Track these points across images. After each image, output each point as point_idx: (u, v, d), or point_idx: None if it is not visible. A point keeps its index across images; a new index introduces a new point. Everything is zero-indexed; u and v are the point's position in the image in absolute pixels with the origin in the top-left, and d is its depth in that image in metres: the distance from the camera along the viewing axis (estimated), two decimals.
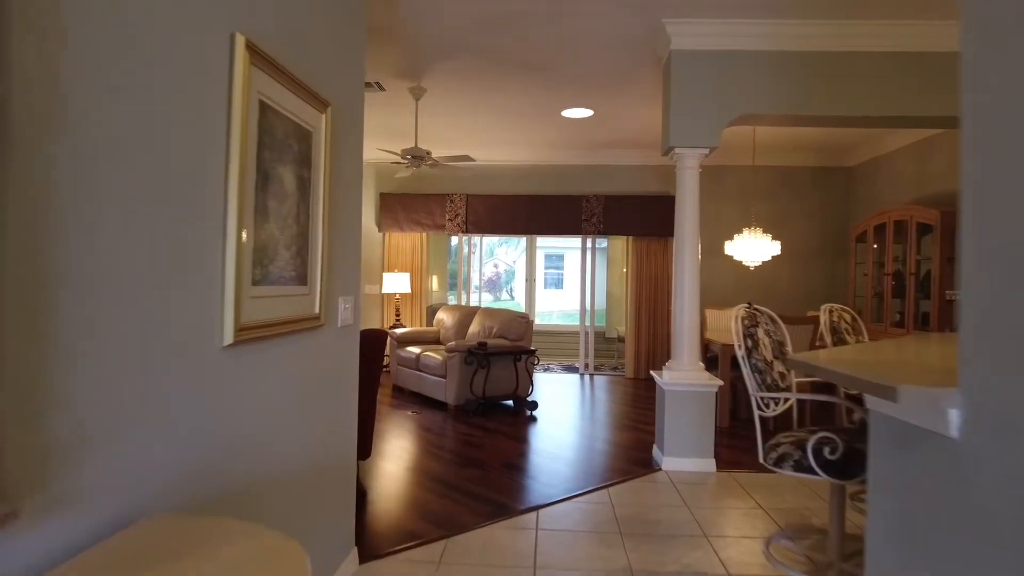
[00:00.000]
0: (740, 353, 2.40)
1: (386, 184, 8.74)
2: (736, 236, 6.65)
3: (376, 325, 8.73)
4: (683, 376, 4.48)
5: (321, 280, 2.32)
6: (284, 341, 2.07)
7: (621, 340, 9.95)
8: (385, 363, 7.91)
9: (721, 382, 4.49)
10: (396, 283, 8.10)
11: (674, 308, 4.62)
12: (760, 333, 2.49)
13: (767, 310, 2.61)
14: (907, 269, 6.29)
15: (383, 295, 8.70)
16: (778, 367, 2.51)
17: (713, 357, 6.24)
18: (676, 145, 4.50)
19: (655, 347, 8.35)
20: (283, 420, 2.07)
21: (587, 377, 8.56)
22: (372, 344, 4.08)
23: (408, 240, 8.65)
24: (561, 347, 11.00)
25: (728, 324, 7.42)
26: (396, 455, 4.76)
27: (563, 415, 6.21)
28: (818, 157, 8.38)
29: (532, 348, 6.37)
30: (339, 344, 2.59)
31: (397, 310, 8.20)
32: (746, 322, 2.47)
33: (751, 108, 4.48)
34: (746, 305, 2.57)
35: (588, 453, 4.89)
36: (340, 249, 2.58)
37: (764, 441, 2.52)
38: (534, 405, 6.23)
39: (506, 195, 8.49)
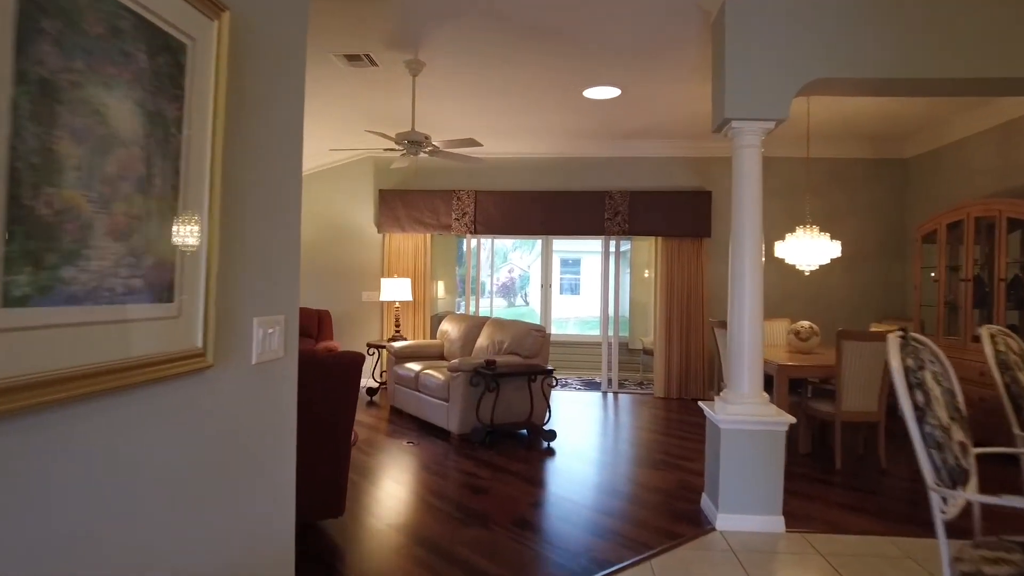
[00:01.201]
0: (908, 413, 1.47)
1: (386, 179, 7.86)
2: (788, 236, 5.67)
3: (375, 338, 7.84)
4: (744, 411, 3.52)
5: (207, 293, 1.41)
6: (117, 403, 1.16)
7: (647, 352, 8.98)
8: (383, 380, 7.01)
9: (793, 419, 3.52)
10: (395, 290, 7.20)
11: (731, 323, 3.67)
12: (929, 380, 1.54)
13: (927, 341, 1.65)
14: (993, 273, 5.29)
15: (382, 303, 7.80)
16: (957, 435, 1.56)
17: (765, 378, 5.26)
18: (733, 117, 3.55)
19: (688, 363, 7.38)
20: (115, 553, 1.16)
21: (611, 396, 7.60)
22: (342, 373, 3.17)
23: (410, 242, 7.76)
24: (580, 359, 10.05)
25: (778, 339, 6.46)
26: (382, 506, 3.84)
27: (586, 447, 5.27)
28: (870, 147, 7.39)
29: (549, 367, 5.44)
30: (253, 391, 1.67)
31: (397, 320, 7.30)
32: (909, 362, 1.52)
33: (827, 71, 3.53)
34: (900, 332, 1.62)
35: (620, 502, 3.94)
36: (255, 243, 1.67)
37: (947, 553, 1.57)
38: (551, 435, 5.29)
39: (520, 191, 7.57)
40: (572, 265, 17.49)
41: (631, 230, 7.44)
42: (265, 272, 1.74)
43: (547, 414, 5.54)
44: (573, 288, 18.11)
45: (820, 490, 4.19)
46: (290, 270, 1.94)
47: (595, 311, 16.65)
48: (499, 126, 6.75)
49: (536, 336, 5.56)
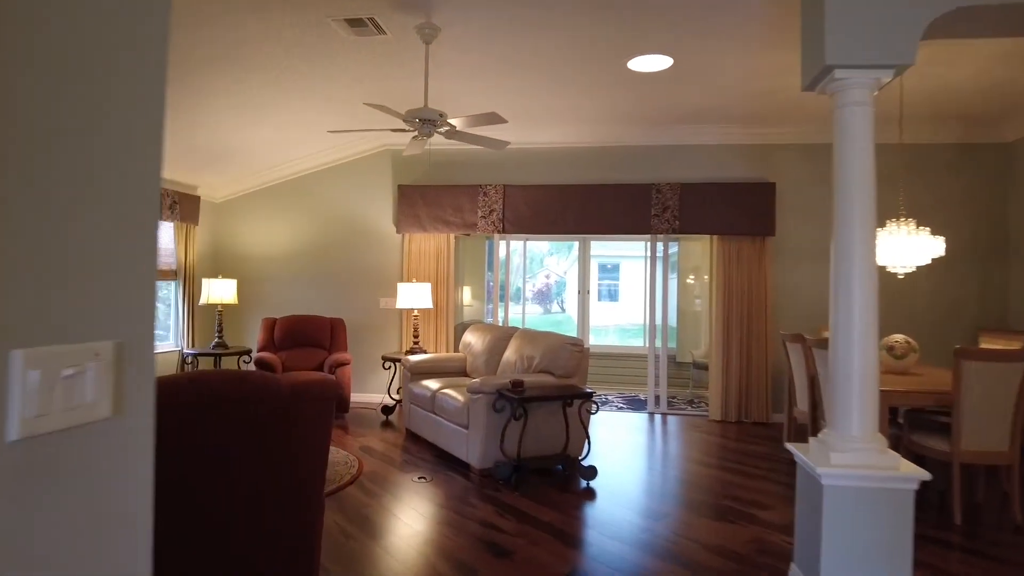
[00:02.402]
0: None
1: (405, 174, 7.09)
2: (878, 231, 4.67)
3: (393, 349, 7.05)
4: (855, 460, 2.59)
5: None
6: None
7: (698, 367, 8.01)
8: (398, 398, 6.21)
9: (926, 474, 2.57)
10: (412, 296, 6.40)
11: (835, 343, 2.73)
12: None
13: None
14: None
15: (401, 312, 7.02)
16: None
17: None
18: (837, 64, 2.63)
19: (749, 380, 6.40)
20: None
21: (658, 418, 6.66)
22: (310, 407, 2.35)
23: (432, 243, 6.96)
24: (622, 373, 9.11)
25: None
26: (374, 571, 3.01)
27: (633, 488, 4.36)
28: (962, 130, 6.32)
29: (588, 389, 4.54)
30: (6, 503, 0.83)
31: (415, 330, 6.49)
32: None
33: None
34: None
35: (681, 570, 3.03)
36: (31, 224, 0.84)
37: None
38: (591, 473, 4.40)
39: (553, 185, 6.72)
40: (611, 271, 16.53)
41: (682, 228, 6.51)
42: (55, 271, 0.91)
43: (586, 446, 4.65)
44: (612, 294, 17.13)
45: (939, 556, 3.21)
46: (133, 267, 1.10)
47: (636, 318, 15.71)
48: (529, 110, 5.90)
49: (572, 351, 4.68)
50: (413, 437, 5.54)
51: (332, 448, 5.08)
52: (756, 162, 6.56)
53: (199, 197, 7.21)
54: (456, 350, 6.78)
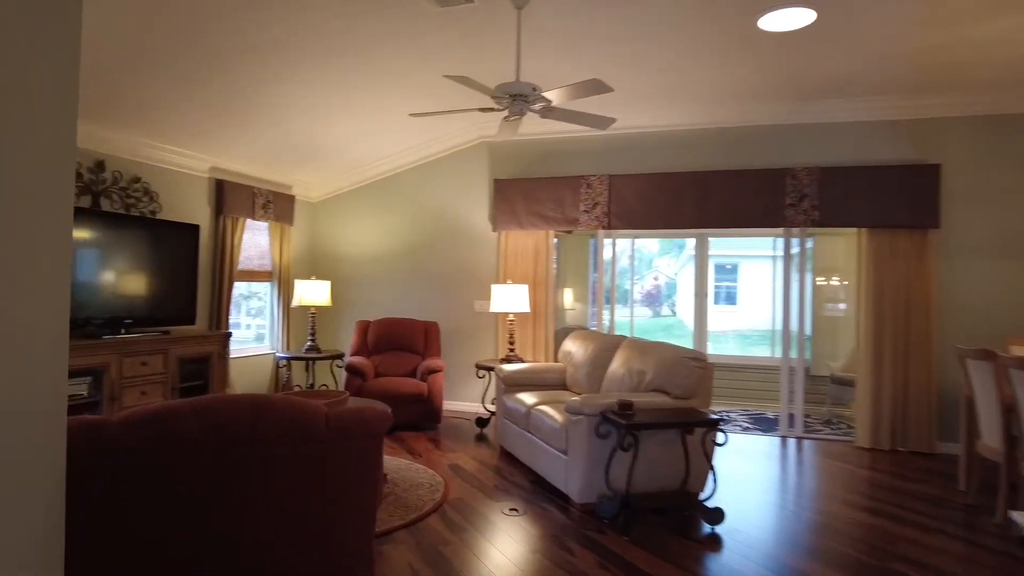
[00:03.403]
0: None
1: (502, 167, 6.54)
2: None
3: (489, 356, 6.52)
4: None
5: None
6: None
7: (837, 382, 6.91)
8: (493, 409, 5.66)
9: None
10: (507, 299, 5.83)
11: None
12: None
13: None
14: None
15: (496, 316, 6.47)
16: None
17: None
18: None
19: (907, 401, 5.31)
20: None
21: (792, 443, 5.70)
22: (356, 448, 1.79)
23: (530, 241, 6.36)
24: (744, 387, 8.12)
25: None
26: None
27: (770, 538, 3.53)
28: None
29: (714, 415, 3.75)
30: None
31: (511, 336, 5.91)
32: None
33: None
34: None
35: None
36: None
37: None
38: (716, 516, 3.61)
39: (666, 173, 5.92)
40: (728, 272, 15.28)
41: (822, 220, 5.52)
42: None
43: (710, 483, 3.86)
44: (729, 297, 15.85)
45: None
46: None
47: (757, 324, 14.40)
48: (636, 88, 5.16)
49: (692, 368, 3.90)
50: (507, 456, 4.96)
51: (418, 467, 4.59)
52: (914, 141, 5.46)
53: (293, 196, 7.02)
54: (555, 359, 6.15)
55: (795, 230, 5.80)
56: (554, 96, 3.61)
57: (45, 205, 0.97)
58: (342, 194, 7.37)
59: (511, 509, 3.83)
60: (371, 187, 7.19)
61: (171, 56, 4.10)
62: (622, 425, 3.45)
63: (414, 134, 6.37)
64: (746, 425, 6.36)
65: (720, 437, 3.70)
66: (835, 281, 8.25)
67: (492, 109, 3.84)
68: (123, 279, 4.85)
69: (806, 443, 5.67)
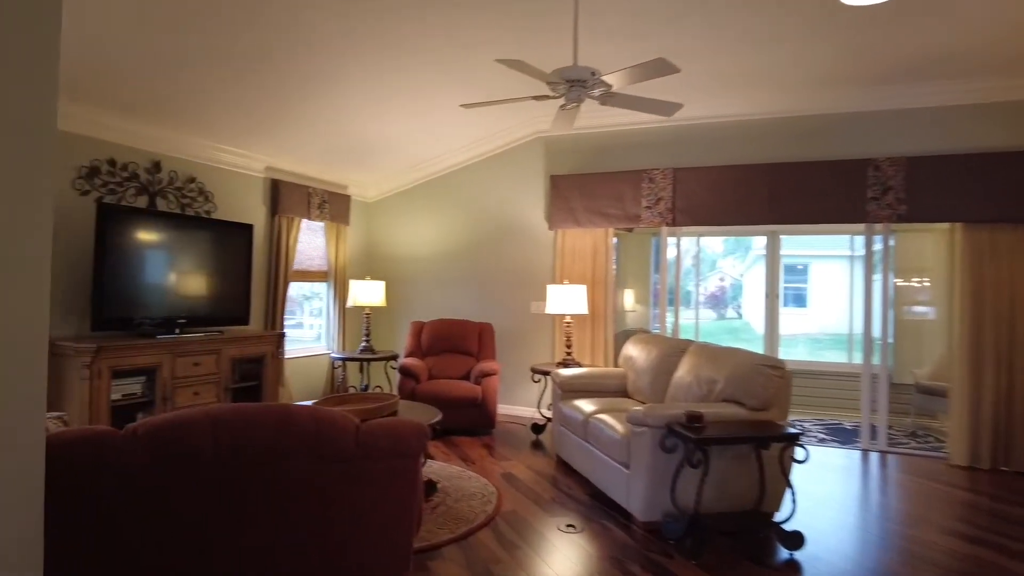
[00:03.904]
0: None
1: (559, 163, 6.28)
2: None
3: (545, 359, 6.27)
4: None
5: None
6: None
7: (925, 392, 6.35)
8: (549, 415, 5.41)
9: None
10: (563, 300, 5.56)
11: None
12: None
13: None
14: None
15: (552, 318, 6.21)
16: None
17: None
18: None
19: (1011, 414, 4.78)
20: None
21: (875, 457, 5.23)
22: (388, 467, 1.58)
23: (588, 240, 6.08)
24: (818, 394, 7.60)
25: None
26: None
27: (856, 567, 3.15)
28: None
29: (793, 429, 3.39)
30: None
31: (567, 339, 5.64)
32: None
33: None
34: None
35: None
36: None
37: None
38: (795, 540, 3.26)
39: (734, 166, 5.54)
40: (798, 272, 14.54)
41: (910, 214, 5.04)
42: None
43: (789, 503, 3.50)
44: (798, 299, 15.08)
45: None
46: None
47: (829, 327, 13.64)
48: (704, 74, 4.82)
49: (769, 377, 3.55)
50: (564, 466, 4.70)
51: (471, 475, 4.39)
52: (1016, 125, 4.91)
53: (349, 196, 6.95)
54: (615, 364, 5.85)
55: (877, 226, 5.32)
56: (615, 80, 3.33)
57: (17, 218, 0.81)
58: (397, 194, 7.26)
59: (568, 526, 3.57)
60: (425, 186, 7.06)
61: (226, 56, 4.03)
62: (691, 439, 3.14)
63: (468, 131, 6.19)
64: (822, 436, 5.90)
65: (800, 453, 3.34)
66: (917, 282, 7.64)
67: (547, 97, 3.59)
68: (178, 279, 4.84)
69: (890, 458, 5.19)
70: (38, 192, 1.01)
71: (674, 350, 4.39)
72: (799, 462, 3.34)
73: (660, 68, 3.11)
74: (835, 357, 11.31)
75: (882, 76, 4.87)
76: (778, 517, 3.50)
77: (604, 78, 3.38)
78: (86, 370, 3.88)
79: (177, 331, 4.70)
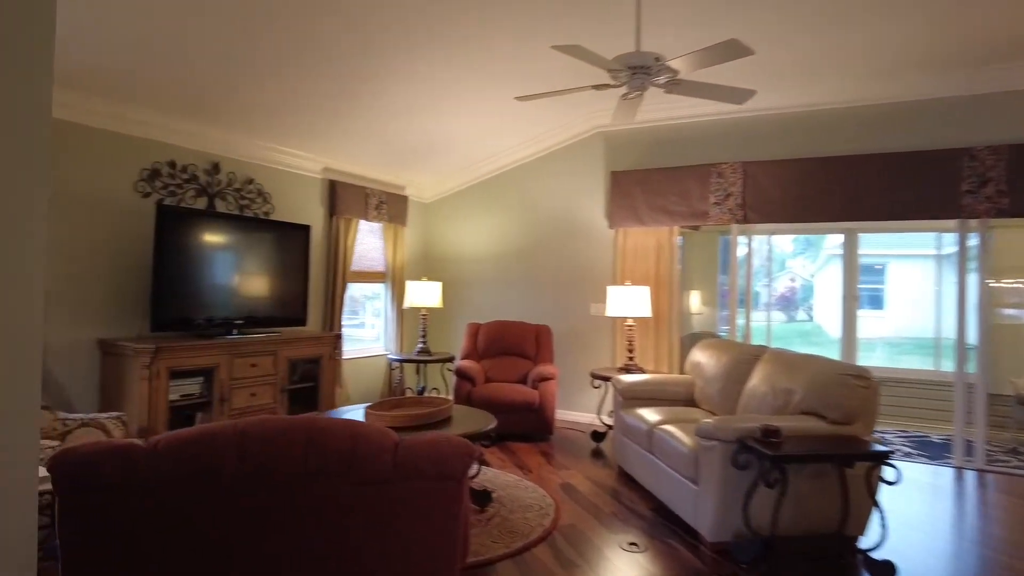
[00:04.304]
0: None
1: (620, 158, 6.03)
2: None
3: (605, 364, 6.03)
4: None
5: None
6: None
7: None
8: (610, 423, 5.17)
9: None
10: (625, 302, 5.31)
11: None
12: None
13: None
14: None
15: (613, 320, 5.96)
16: None
17: None
18: None
19: None
20: None
21: (971, 476, 4.76)
22: (429, 490, 1.41)
23: (651, 239, 5.80)
24: (901, 404, 7.08)
25: None
26: None
27: None
28: None
29: (881, 447, 3.06)
30: None
31: (630, 343, 5.39)
32: None
33: None
34: None
35: None
36: None
37: None
38: (885, 570, 2.94)
39: (811, 158, 5.17)
40: (875, 273, 13.74)
41: (1013, 208, 4.57)
42: None
43: (878, 527, 3.17)
44: (874, 301, 14.24)
45: None
46: None
47: (909, 331, 12.81)
48: (776, 61, 4.49)
49: (854, 387, 3.22)
50: (626, 478, 4.46)
51: (527, 485, 4.21)
52: None
53: (407, 197, 6.89)
54: (681, 370, 5.56)
55: (972, 222, 4.85)
56: (681, 65, 3.09)
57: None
58: (454, 193, 7.16)
59: (631, 543, 3.34)
60: (482, 185, 6.92)
61: (287, 58, 3.99)
62: (767, 456, 2.87)
63: (525, 128, 6.02)
64: (908, 450, 5.45)
65: (890, 473, 3.01)
66: (1012, 282, 7.03)
67: (608, 86, 3.37)
68: (236, 280, 4.84)
69: (989, 477, 4.72)
70: (32, 188, 0.90)
71: (746, 357, 4.09)
72: (890, 483, 3.00)
73: (732, 50, 2.85)
74: (917, 363, 10.61)
75: (980, 56, 4.42)
76: (863, 542, 3.17)
77: (670, 63, 3.14)
78: (145, 370, 3.90)
79: (235, 332, 4.71)
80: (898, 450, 5.44)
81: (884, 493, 3.47)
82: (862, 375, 3.25)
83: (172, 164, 4.65)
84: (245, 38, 3.71)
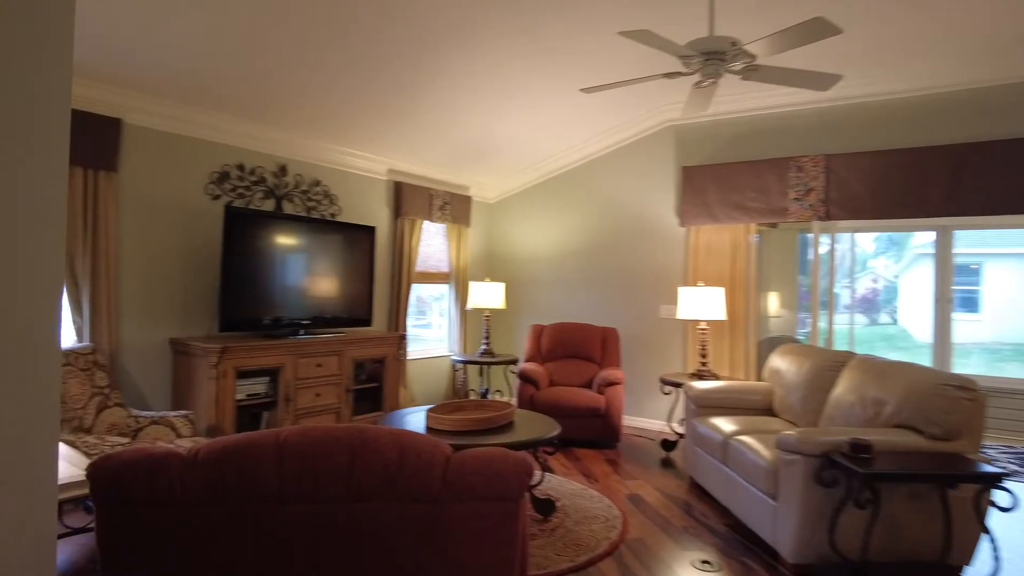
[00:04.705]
0: None
1: (691, 153, 5.76)
2: None
3: (676, 369, 5.78)
4: None
5: None
6: None
7: None
8: (681, 431, 4.94)
9: None
10: (698, 304, 5.05)
11: None
12: None
13: None
14: None
15: (684, 323, 5.70)
16: None
17: None
18: None
19: None
20: None
21: None
22: (480, 512, 1.29)
23: (726, 237, 5.52)
24: (999, 415, 6.49)
25: None
26: None
27: None
28: None
29: (993, 468, 2.74)
30: None
31: (702, 348, 5.12)
32: None
33: None
34: None
35: None
36: None
37: None
38: None
39: (902, 149, 4.77)
40: (970, 273, 12.79)
41: None
42: None
43: (987, 556, 2.85)
44: (967, 303, 13.26)
45: None
46: None
47: (1010, 336, 11.84)
48: (861, 45, 4.15)
49: (957, 399, 2.90)
50: (698, 490, 4.23)
51: (592, 494, 4.05)
52: None
53: (470, 197, 6.83)
54: (758, 377, 5.25)
55: None
56: (760, 49, 2.86)
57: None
58: (517, 193, 7.05)
59: (703, 562, 3.13)
60: (546, 184, 6.78)
61: (353, 61, 3.98)
62: (857, 473, 2.60)
63: (591, 124, 5.84)
64: (1016, 468, 4.97)
65: (1003, 498, 2.68)
66: None
67: (680, 74, 3.17)
68: (302, 280, 4.88)
69: None
70: (51, 186, 0.83)
71: (831, 363, 3.79)
72: (1005, 510, 2.68)
73: (817, 30, 2.60)
74: (1020, 371, 9.78)
75: None
76: (970, 572, 2.85)
77: (747, 47, 2.91)
78: (212, 370, 3.95)
79: (302, 332, 4.74)
80: (1001, 466, 4.96)
81: (994, 518, 3.10)
82: (966, 385, 2.93)
83: (240, 167, 4.72)
84: (312, 41, 3.71)
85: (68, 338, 3.76)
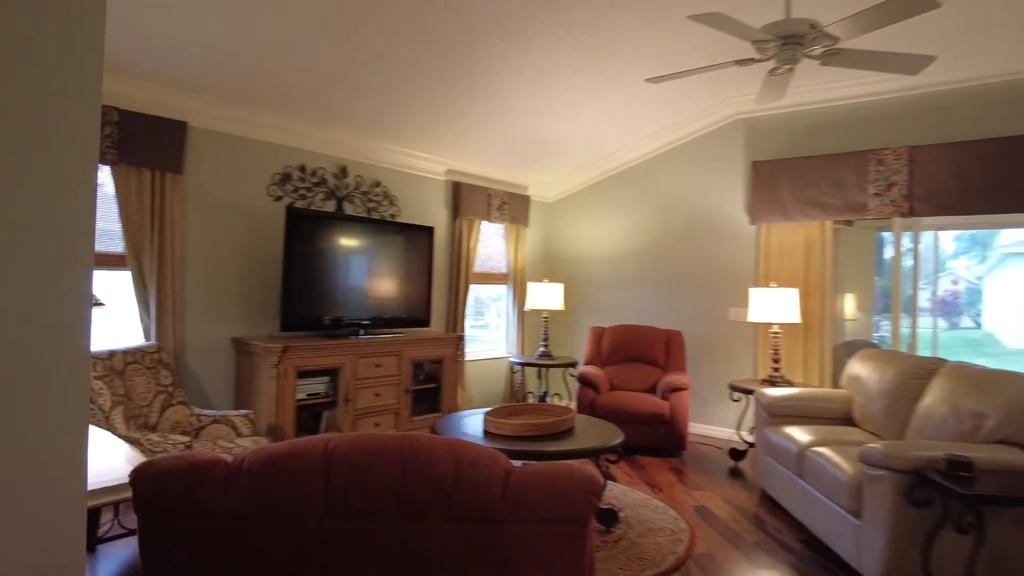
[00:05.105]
0: None
1: (761, 147, 5.49)
2: None
3: (746, 375, 5.51)
4: None
5: None
6: None
7: None
8: (751, 440, 4.70)
9: None
10: (770, 305, 4.79)
11: None
12: None
13: None
14: None
15: (755, 326, 5.43)
16: None
17: None
18: None
19: None
20: None
21: None
22: (543, 536, 1.17)
23: (799, 235, 5.23)
24: None
25: None
26: None
27: None
28: None
29: None
30: None
31: (775, 352, 4.85)
32: None
33: None
34: None
35: None
36: None
37: None
38: None
39: (997, 139, 4.39)
40: None
41: None
42: None
43: None
44: None
45: None
46: None
47: None
48: (950, 25, 3.82)
49: None
50: (770, 503, 3.99)
51: (657, 505, 3.88)
52: None
53: (529, 197, 6.73)
54: (834, 384, 4.94)
55: None
56: (843, 30, 2.64)
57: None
58: (577, 192, 6.90)
59: None
60: (607, 182, 6.61)
61: (413, 61, 3.95)
62: (957, 494, 2.36)
63: (655, 118, 5.64)
64: None
65: None
66: None
67: (753, 60, 2.98)
68: (362, 281, 4.88)
69: None
70: (80, 185, 0.78)
71: (919, 371, 3.49)
72: None
73: (911, 5, 2.37)
74: None
75: None
76: None
77: (827, 29, 2.70)
78: (273, 369, 3.97)
79: (361, 332, 4.73)
80: None
81: None
82: None
83: (302, 168, 4.76)
84: (373, 44, 3.68)
85: (136, 337, 3.85)
